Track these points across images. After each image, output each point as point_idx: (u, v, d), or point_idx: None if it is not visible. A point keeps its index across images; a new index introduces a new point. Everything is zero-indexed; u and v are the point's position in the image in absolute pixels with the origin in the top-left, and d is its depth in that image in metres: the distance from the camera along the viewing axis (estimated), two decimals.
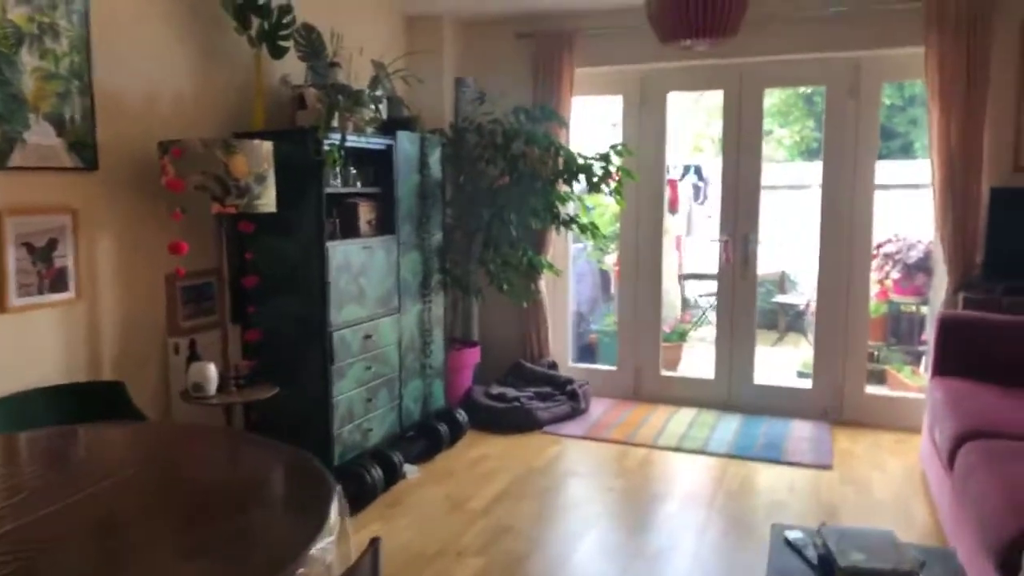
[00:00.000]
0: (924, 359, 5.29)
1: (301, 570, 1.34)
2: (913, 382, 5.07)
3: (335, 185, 3.45)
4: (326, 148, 3.21)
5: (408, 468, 3.80)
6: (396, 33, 4.68)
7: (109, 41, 2.91)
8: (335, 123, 3.29)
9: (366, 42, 4.17)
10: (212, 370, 2.99)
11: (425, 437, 4.09)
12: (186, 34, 3.25)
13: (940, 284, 4.27)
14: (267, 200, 2.94)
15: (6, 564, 1.35)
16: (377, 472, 3.48)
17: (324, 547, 1.38)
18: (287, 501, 1.67)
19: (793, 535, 2.32)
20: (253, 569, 1.37)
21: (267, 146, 2.94)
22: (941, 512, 3.12)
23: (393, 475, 3.62)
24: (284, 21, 3.39)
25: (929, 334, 4.33)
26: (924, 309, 5.74)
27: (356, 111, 3.40)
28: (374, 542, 1.40)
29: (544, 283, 4.99)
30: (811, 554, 2.19)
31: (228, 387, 3.06)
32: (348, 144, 3.36)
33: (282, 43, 3.40)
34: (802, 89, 9.20)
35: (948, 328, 3.70)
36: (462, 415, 4.32)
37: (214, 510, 1.63)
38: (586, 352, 5.86)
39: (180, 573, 1.39)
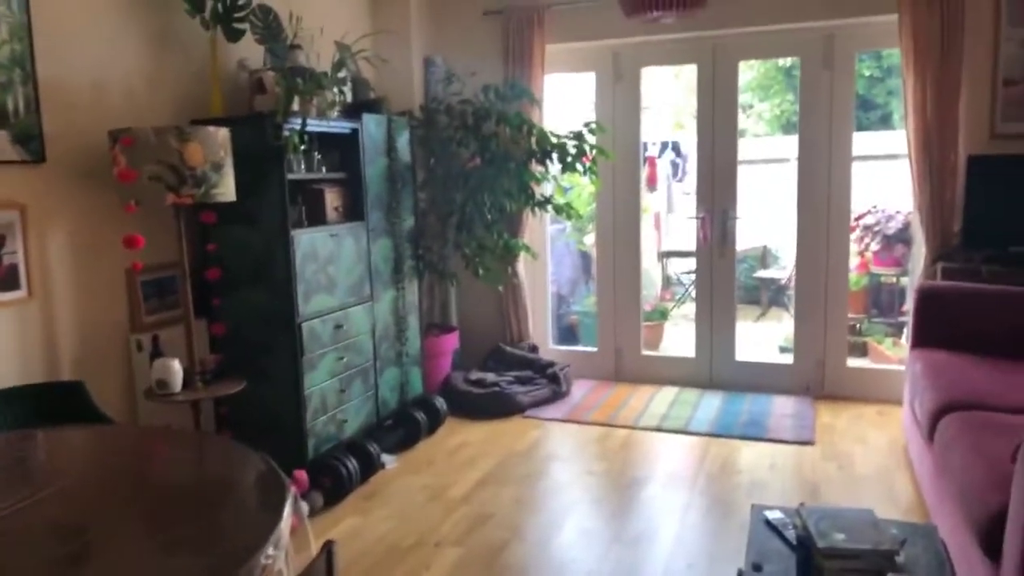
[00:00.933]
0: (905, 330, 5.27)
1: None
2: (894, 354, 5.06)
3: (299, 171, 3.35)
4: (286, 133, 3.11)
5: (386, 458, 3.74)
6: (360, 13, 4.55)
7: (52, 27, 2.78)
8: (296, 107, 3.19)
9: (327, 22, 4.05)
10: (176, 366, 2.90)
11: (403, 426, 4.03)
12: (134, 17, 3.12)
13: (919, 255, 4.23)
14: (225, 189, 2.84)
15: None
16: (353, 464, 3.41)
17: (272, 554, 1.31)
18: (237, 508, 1.60)
19: (773, 515, 2.28)
20: None
21: (223, 133, 2.84)
22: (923, 486, 3.10)
23: (370, 466, 3.56)
24: (239, 2, 3.27)
25: (909, 305, 4.30)
26: (904, 280, 5.72)
27: (318, 94, 3.29)
28: (327, 545, 1.34)
29: (522, 266, 4.91)
30: (791, 534, 2.15)
31: (194, 383, 2.97)
32: (311, 128, 3.26)
33: (237, 25, 3.29)
34: (781, 62, 9.14)
35: (926, 299, 3.67)
36: (440, 402, 4.25)
37: (163, 517, 1.55)
38: (568, 334, 5.80)
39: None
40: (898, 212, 5.79)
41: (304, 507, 3.09)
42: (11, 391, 2.60)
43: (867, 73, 9.07)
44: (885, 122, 9.17)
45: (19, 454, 1.96)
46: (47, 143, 2.76)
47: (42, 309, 2.79)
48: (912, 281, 4.39)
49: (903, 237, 5.63)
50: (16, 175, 2.68)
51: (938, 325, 3.60)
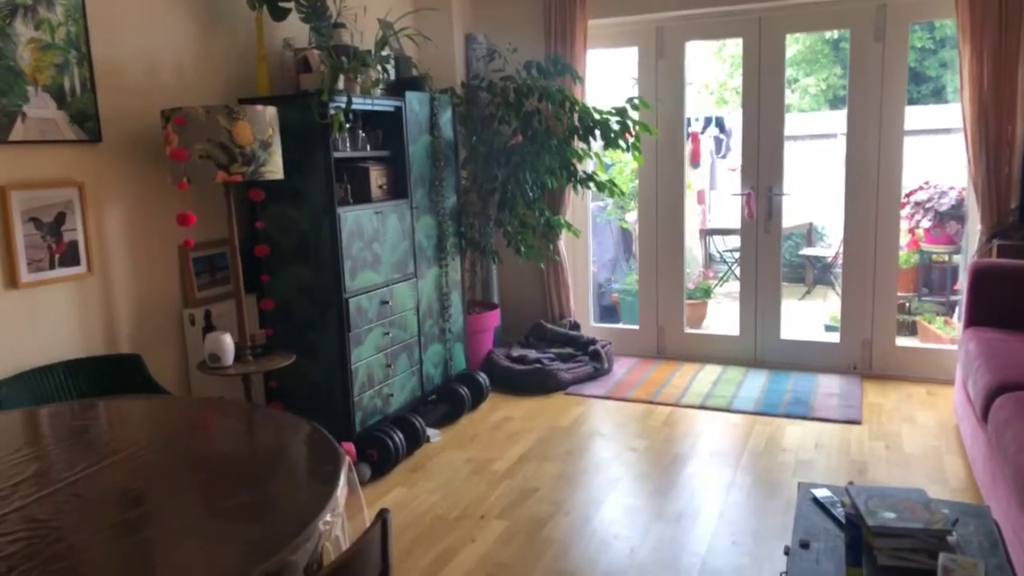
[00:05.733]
0: (957, 310, 5.15)
1: (307, 544, 1.31)
2: (945, 333, 4.95)
3: (344, 150, 3.39)
4: (332, 111, 3.14)
5: (431, 432, 3.80)
6: None
7: (105, 9, 2.84)
8: (340, 86, 3.21)
9: (370, 1, 4.06)
10: (228, 340, 2.97)
11: (447, 401, 4.08)
12: None
13: (973, 232, 4.12)
14: (274, 167, 2.88)
15: (29, 538, 1.35)
16: (399, 437, 3.47)
17: (330, 520, 1.35)
18: (293, 477, 1.64)
19: (820, 493, 2.26)
20: (253, 545, 1.34)
21: (271, 111, 2.88)
22: (976, 467, 3.04)
23: (416, 440, 3.61)
24: None
25: (962, 284, 4.20)
26: (956, 258, 5.58)
27: (362, 72, 3.31)
28: (382, 514, 1.37)
29: (563, 243, 4.91)
30: (839, 513, 2.13)
31: (245, 357, 3.04)
32: (355, 107, 3.29)
33: (283, 4, 3.31)
34: (828, 35, 8.91)
35: (981, 277, 3.58)
36: (483, 378, 4.29)
37: (222, 485, 1.60)
38: (609, 312, 5.79)
39: (185, 546, 1.37)
40: (951, 188, 5.64)
41: (355, 476, 3.15)
42: (75, 363, 2.70)
43: (919, 45, 8.80)
44: (938, 95, 8.90)
45: (83, 423, 2.04)
46: (103, 123, 2.83)
47: (101, 284, 2.88)
48: (965, 259, 4.28)
49: (956, 214, 5.49)
50: (74, 154, 2.76)
51: (993, 304, 3.52)
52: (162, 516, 1.47)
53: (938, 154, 6.72)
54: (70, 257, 2.74)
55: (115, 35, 2.89)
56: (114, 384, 2.74)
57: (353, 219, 3.34)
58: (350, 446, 3.26)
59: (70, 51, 2.70)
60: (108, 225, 2.90)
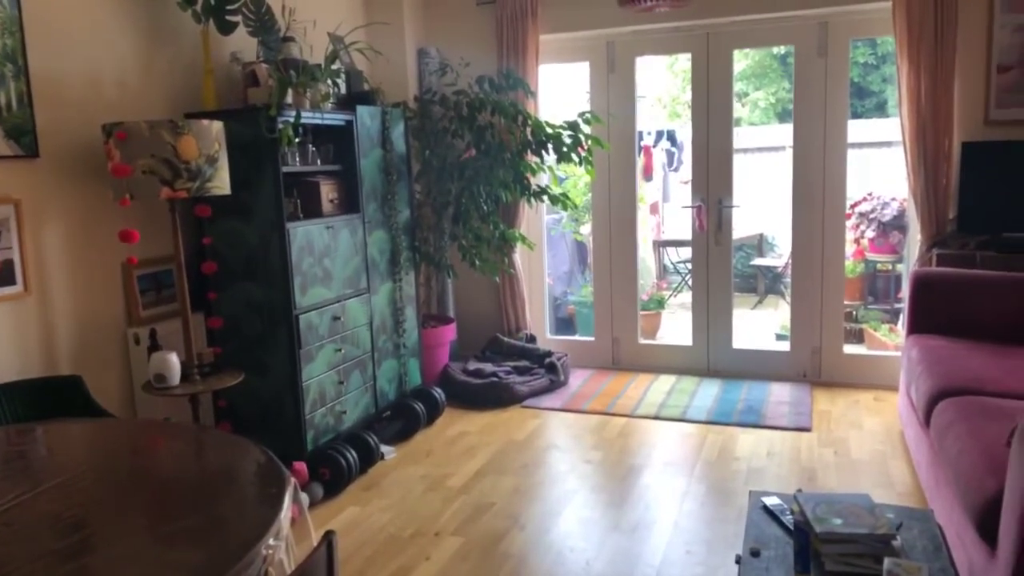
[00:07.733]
0: (901, 317, 5.29)
1: (249, 569, 1.28)
2: (891, 340, 5.08)
3: (294, 164, 3.35)
4: (280, 126, 3.10)
5: (385, 449, 3.75)
6: (353, 4, 4.53)
7: (43, 22, 2.77)
8: (289, 100, 3.18)
9: (320, 14, 4.04)
10: (174, 360, 2.90)
11: (401, 417, 4.04)
12: (126, 10, 3.11)
13: (914, 241, 4.24)
14: (220, 182, 2.83)
15: None
16: (352, 455, 3.42)
17: (273, 544, 1.32)
18: (237, 500, 1.60)
19: (771, 502, 2.30)
20: (195, 570, 1.30)
21: (217, 126, 2.83)
22: (920, 470, 3.12)
23: (369, 457, 3.57)
24: None
25: (905, 292, 4.32)
26: (900, 267, 5.74)
27: (311, 86, 3.28)
28: (327, 536, 1.35)
29: (519, 256, 4.92)
30: (788, 520, 2.16)
31: (192, 376, 2.97)
32: (305, 121, 3.25)
33: (230, 18, 3.27)
34: (776, 50, 9.13)
35: (922, 285, 3.68)
36: (439, 393, 4.26)
37: (163, 510, 1.56)
38: (564, 324, 5.81)
39: (124, 574, 1.33)
40: (893, 199, 5.81)
41: (304, 498, 3.10)
42: (9, 386, 2.59)
43: (862, 60, 9.07)
44: (880, 109, 9.18)
45: (19, 448, 1.96)
46: (40, 138, 2.75)
47: (39, 304, 2.79)
48: (908, 268, 4.40)
49: (899, 224, 5.65)
50: (10, 170, 2.67)
51: (934, 311, 3.62)
52: (101, 543, 1.43)
53: (881, 165, 6.92)
54: (5, 276, 2.65)
55: (54, 48, 2.81)
56: (53, 407, 2.64)
57: (303, 234, 3.30)
58: (302, 465, 3.21)
59: (6, 64, 2.62)
60: (47, 243, 2.81)
